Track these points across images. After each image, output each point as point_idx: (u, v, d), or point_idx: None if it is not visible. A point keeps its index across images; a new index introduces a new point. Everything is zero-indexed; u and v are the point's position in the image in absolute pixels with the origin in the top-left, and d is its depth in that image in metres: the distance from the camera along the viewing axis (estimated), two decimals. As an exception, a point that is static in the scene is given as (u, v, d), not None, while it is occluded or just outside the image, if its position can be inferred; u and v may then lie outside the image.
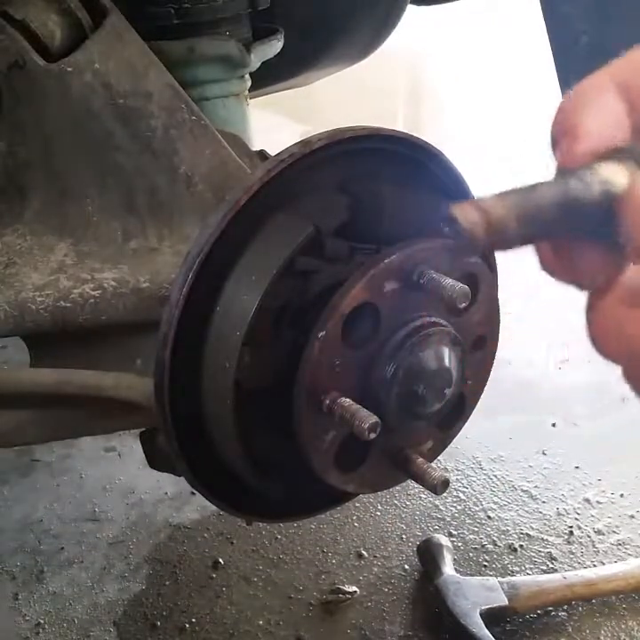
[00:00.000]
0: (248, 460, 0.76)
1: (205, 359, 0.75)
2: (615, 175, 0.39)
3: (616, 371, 0.41)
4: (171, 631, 1.45)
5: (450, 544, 1.55)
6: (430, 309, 0.74)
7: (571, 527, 1.64)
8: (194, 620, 1.47)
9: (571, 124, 0.43)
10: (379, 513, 1.69)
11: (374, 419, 0.68)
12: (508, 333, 0.90)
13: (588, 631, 1.41)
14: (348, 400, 0.70)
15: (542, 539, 1.62)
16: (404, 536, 1.63)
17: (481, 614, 1.37)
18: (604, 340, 0.40)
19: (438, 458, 0.85)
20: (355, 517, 1.68)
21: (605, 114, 0.42)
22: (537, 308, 2.36)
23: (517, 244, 0.39)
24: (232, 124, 1.08)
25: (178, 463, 0.78)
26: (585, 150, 0.41)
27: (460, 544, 1.60)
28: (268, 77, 1.27)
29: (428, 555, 1.52)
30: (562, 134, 0.43)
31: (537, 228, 0.39)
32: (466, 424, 0.86)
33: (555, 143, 0.43)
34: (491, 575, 1.51)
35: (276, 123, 3.26)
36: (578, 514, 1.67)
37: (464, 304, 0.69)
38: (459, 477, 1.79)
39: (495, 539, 1.62)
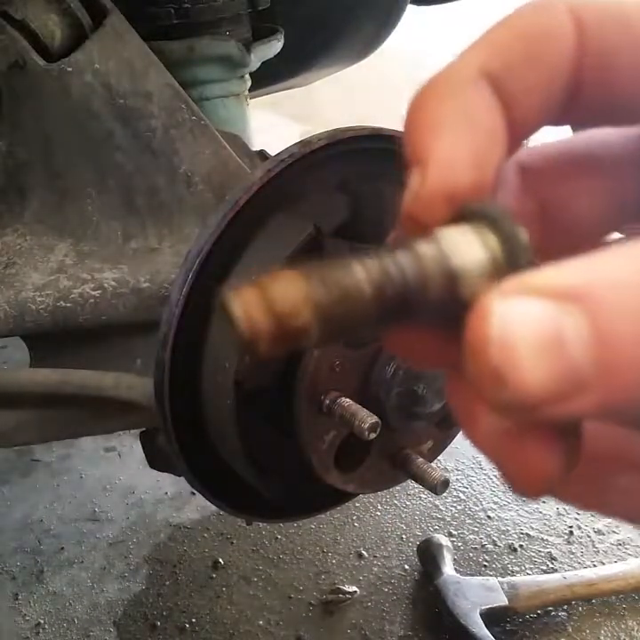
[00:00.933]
0: (248, 459, 0.76)
1: (205, 359, 0.75)
2: (464, 255, 0.26)
3: None
4: (171, 631, 1.45)
5: (450, 544, 1.55)
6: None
7: (571, 527, 1.64)
8: (194, 620, 1.47)
9: (419, 146, 0.29)
10: (379, 513, 1.69)
11: (374, 419, 0.68)
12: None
13: (587, 631, 1.41)
14: (347, 400, 0.70)
15: (542, 539, 1.62)
16: (404, 536, 1.63)
17: (481, 614, 1.37)
18: (466, 431, 0.29)
19: (438, 458, 0.85)
20: (355, 517, 1.68)
21: (470, 127, 0.29)
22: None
23: (318, 343, 0.25)
24: (232, 124, 1.08)
25: (178, 463, 0.78)
26: (435, 192, 0.28)
27: (460, 544, 1.60)
28: (268, 77, 1.27)
29: (428, 555, 1.52)
30: (409, 160, 0.30)
31: (346, 322, 0.25)
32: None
33: (407, 168, 0.30)
34: (491, 575, 1.51)
35: (276, 122, 3.26)
36: (578, 514, 1.67)
37: None
38: (459, 477, 1.79)
39: (495, 539, 1.62)
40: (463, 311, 0.25)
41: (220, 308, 0.25)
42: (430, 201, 0.28)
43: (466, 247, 0.26)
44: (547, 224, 0.34)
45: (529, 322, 0.23)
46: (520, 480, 0.27)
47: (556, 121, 0.32)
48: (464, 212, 0.28)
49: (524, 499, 0.26)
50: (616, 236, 0.35)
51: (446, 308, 0.26)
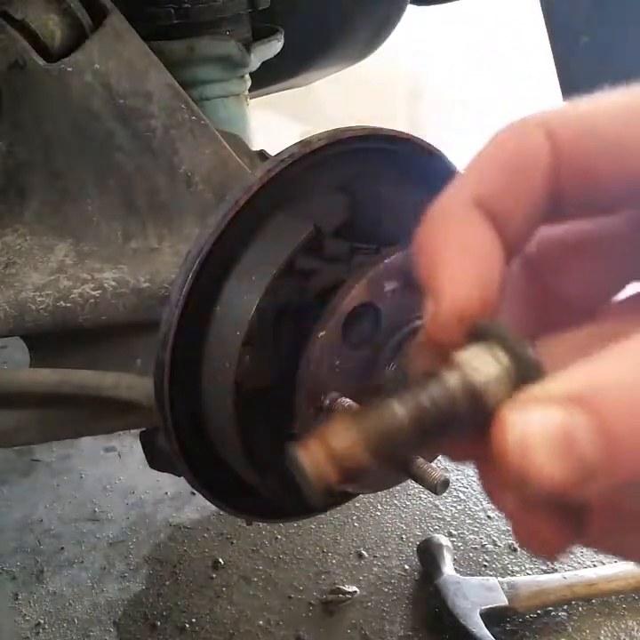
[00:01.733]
0: (248, 459, 0.76)
1: (205, 359, 0.75)
2: (482, 374, 0.31)
3: None
4: (171, 631, 1.45)
5: (450, 544, 1.55)
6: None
7: (571, 527, 1.64)
8: (194, 620, 1.47)
9: (429, 276, 0.34)
10: (378, 513, 1.69)
11: (374, 419, 0.68)
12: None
13: (587, 631, 1.41)
14: (347, 400, 0.70)
15: (542, 539, 1.62)
16: (403, 536, 1.63)
17: (481, 614, 1.37)
18: (494, 502, 0.35)
19: (438, 458, 0.85)
20: (355, 517, 1.68)
21: (471, 254, 0.34)
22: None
23: (377, 470, 0.31)
24: (232, 124, 1.08)
25: (178, 463, 0.78)
26: (449, 317, 0.33)
27: (459, 544, 1.60)
28: (268, 77, 1.27)
29: (428, 555, 1.52)
30: (423, 288, 0.35)
31: (396, 451, 0.31)
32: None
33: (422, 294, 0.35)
34: (491, 575, 1.51)
35: (276, 122, 3.26)
36: (578, 514, 1.67)
37: None
38: (459, 477, 1.79)
39: (495, 539, 1.62)
40: (488, 418, 0.31)
41: (290, 462, 0.31)
42: (445, 323, 0.33)
43: (483, 367, 0.31)
44: (548, 301, 0.40)
45: (542, 427, 0.28)
46: (532, 545, 0.33)
47: (545, 223, 0.37)
48: (475, 331, 0.33)
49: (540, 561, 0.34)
50: (615, 299, 0.40)
51: (476, 419, 0.31)
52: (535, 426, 0.28)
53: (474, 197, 0.35)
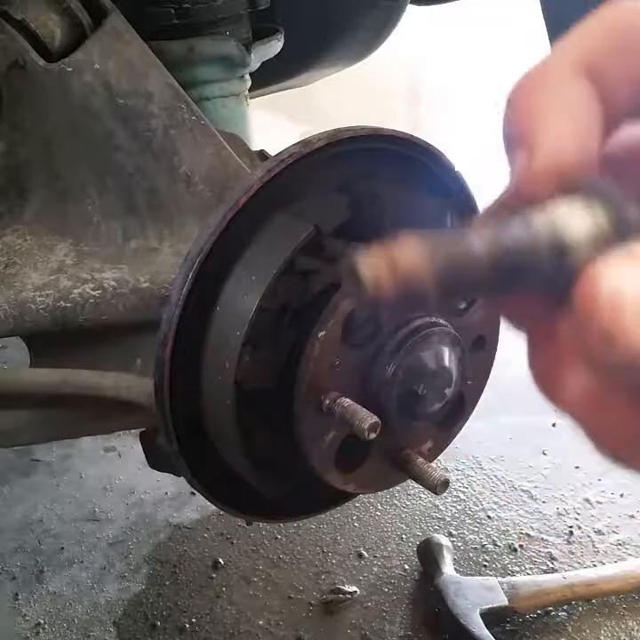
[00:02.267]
0: (248, 459, 0.76)
1: (205, 359, 0.75)
2: (574, 228, 0.28)
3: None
4: (171, 631, 1.45)
5: (450, 544, 1.55)
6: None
7: (571, 527, 1.64)
8: (194, 620, 1.47)
9: (526, 130, 0.32)
10: (379, 513, 1.69)
11: (374, 419, 0.68)
12: (509, 333, 0.90)
13: (587, 631, 1.41)
14: (347, 400, 0.70)
15: (542, 539, 1.62)
16: (403, 536, 1.63)
17: (481, 614, 1.37)
18: (549, 394, 0.32)
19: (438, 458, 0.85)
20: (355, 517, 1.68)
21: (572, 113, 0.31)
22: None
23: (436, 301, 0.29)
24: (232, 124, 1.08)
25: (178, 463, 0.78)
26: (545, 169, 0.31)
27: (459, 544, 1.60)
28: (268, 77, 1.27)
29: (428, 555, 1.52)
30: (515, 142, 0.32)
31: (462, 286, 0.28)
32: (466, 424, 0.86)
33: (509, 151, 0.33)
34: (491, 575, 1.51)
35: (276, 123, 3.26)
36: (578, 514, 1.67)
37: None
38: (459, 477, 1.79)
39: (495, 539, 1.62)
40: (571, 280, 0.27)
41: (349, 267, 0.28)
42: (540, 177, 0.31)
43: (576, 220, 0.28)
44: None
45: (638, 288, 0.25)
46: (607, 439, 0.29)
47: None
48: (574, 187, 0.30)
49: (605, 459, 0.27)
50: None
51: (555, 276, 0.28)
52: (631, 285, 0.25)
53: (580, 60, 0.33)
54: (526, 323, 0.33)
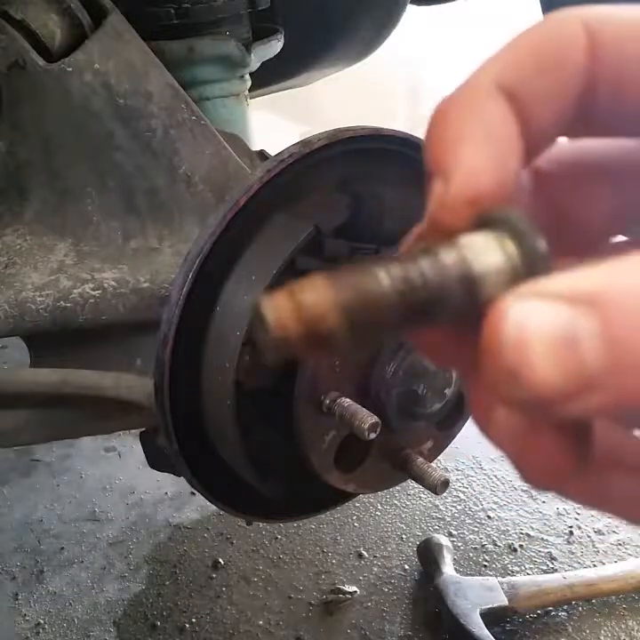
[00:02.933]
0: (248, 459, 0.76)
1: (205, 359, 0.75)
2: (483, 261, 0.27)
3: None
4: (171, 631, 1.45)
5: (450, 544, 1.55)
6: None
7: (571, 527, 1.64)
8: (194, 620, 1.47)
9: (441, 157, 0.31)
10: (378, 513, 1.69)
11: (374, 419, 0.68)
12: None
13: (588, 631, 1.41)
14: (347, 400, 0.70)
15: (542, 539, 1.62)
16: (403, 536, 1.63)
17: (481, 614, 1.37)
18: (481, 429, 0.31)
19: (438, 458, 0.85)
20: (355, 517, 1.68)
21: (487, 138, 0.30)
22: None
23: (347, 342, 0.27)
24: (232, 124, 1.08)
25: (178, 463, 0.78)
26: (458, 198, 0.30)
27: (459, 544, 1.60)
28: (268, 77, 1.27)
29: (428, 555, 1.52)
30: (433, 169, 0.31)
31: (371, 324, 0.27)
32: (466, 424, 0.86)
33: (427, 179, 0.32)
34: (491, 575, 1.51)
35: (276, 123, 3.26)
36: (578, 514, 1.67)
37: None
38: (459, 477, 1.79)
39: (495, 539, 1.62)
40: (481, 314, 0.26)
41: (253, 312, 0.27)
42: (454, 206, 0.30)
43: (485, 253, 0.28)
44: (558, 224, 0.35)
45: (544, 323, 0.25)
46: (533, 474, 0.29)
47: (570, 132, 0.34)
48: (485, 219, 0.29)
49: (534, 492, 0.28)
50: (621, 238, 0.37)
51: (466, 311, 0.27)
52: (536, 320, 0.25)
53: (500, 81, 0.31)
54: (450, 358, 0.32)
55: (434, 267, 0.27)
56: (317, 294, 0.26)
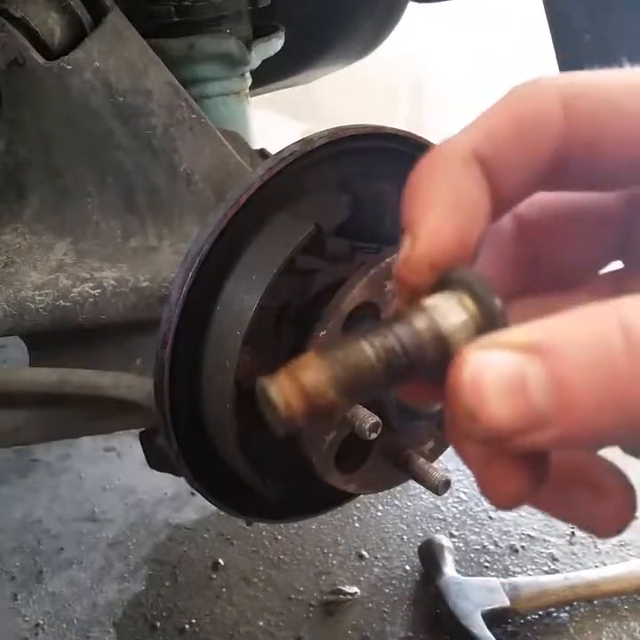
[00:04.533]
0: (248, 459, 0.76)
1: (205, 359, 0.74)
2: (449, 320, 0.32)
3: None
4: (170, 632, 1.44)
5: (451, 545, 1.55)
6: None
7: (572, 528, 1.63)
8: (194, 620, 1.46)
9: (410, 217, 0.34)
10: (379, 513, 1.69)
11: (375, 419, 0.68)
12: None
13: (589, 632, 1.40)
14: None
15: (544, 539, 1.61)
16: (405, 537, 1.63)
17: (482, 615, 1.37)
18: (455, 450, 0.35)
19: (439, 458, 0.84)
20: (355, 518, 1.68)
21: (455, 201, 0.34)
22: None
23: (344, 409, 0.33)
24: (232, 123, 1.07)
25: (178, 463, 0.78)
26: (421, 259, 0.34)
27: (461, 545, 1.60)
28: (268, 75, 1.27)
29: (430, 555, 1.52)
30: (404, 229, 0.35)
31: (363, 391, 0.32)
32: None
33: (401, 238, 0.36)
34: (492, 576, 1.51)
35: (277, 121, 3.26)
36: (579, 514, 1.67)
37: None
38: (460, 478, 1.79)
39: (497, 539, 1.61)
40: (450, 364, 0.31)
41: (259, 394, 0.32)
42: (417, 266, 0.34)
43: (450, 314, 0.32)
44: (538, 265, 0.40)
45: (496, 368, 0.29)
46: (493, 495, 0.33)
47: (543, 187, 0.37)
48: (446, 278, 0.33)
49: (497, 509, 0.33)
50: (601, 271, 0.41)
51: (439, 364, 0.32)
52: (491, 366, 0.29)
53: (474, 150, 0.35)
54: (429, 399, 0.36)
55: (408, 333, 0.32)
56: (314, 373, 0.31)
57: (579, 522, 0.37)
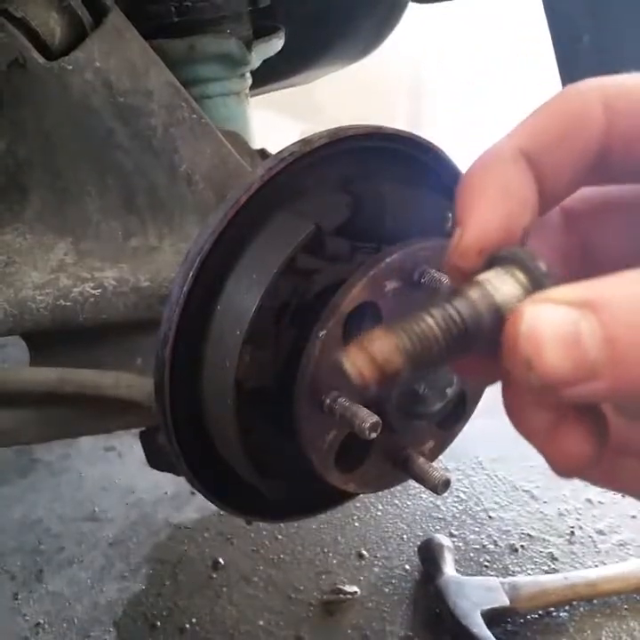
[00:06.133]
0: (248, 459, 0.76)
1: (206, 358, 0.74)
2: (502, 291, 0.35)
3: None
4: (171, 631, 1.45)
5: (451, 544, 1.55)
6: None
7: (572, 527, 1.64)
8: (194, 620, 1.47)
9: (462, 210, 0.38)
10: (379, 513, 1.69)
11: (375, 418, 0.68)
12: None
13: (589, 631, 1.41)
14: (348, 399, 0.70)
15: (544, 539, 1.61)
16: (404, 536, 1.63)
17: (482, 615, 1.37)
18: (516, 427, 0.38)
19: (439, 457, 0.85)
20: (355, 517, 1.68)
21: (503, 196, 0.37)
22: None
23: (410, 377, 0.36)
24: (233, 123, 1.07)
25: (178, 463, 0.78)
26: (469, 247, 0.37)
27: (460, 544, 1.60)
28: (268, 75, 1.27)
29: (429, 555, 1.52)
30: (456, 220, 0.38)
31: (427, 361, 0.35)
32: (467, 423, 0.86)
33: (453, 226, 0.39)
34: (492, 575, 1.51)
35: (277, 121, 3.25)
36: (579, 514, 1.67)
37: None
38: (460, 477, 1.79)
39: (496, 539, 1.62)
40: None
41: (336, 366, 0.36)
42: (465, 253, 0.37)
43: (502, 285, 0.35)
44: (586, 255, 0.43)
45: (552, 322, 0.31)
46: (560, 460, 0.35)
47: (587, 182, 0.40)
48: (494, 258, 0.36)
49: (562, 477, 0.34)
50: None
51: (494, 333, 0.34)
52: (547, 319, 0.31)
53: (522, 148, 0.38)
54: (486, 377, 0.39)
55: (465, 304, 0.35)
56: (382, 343, 0.34)
57: (630, 492, 0.39)
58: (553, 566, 1.55)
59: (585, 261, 0.43)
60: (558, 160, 0.38)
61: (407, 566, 1.56)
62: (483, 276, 0.35)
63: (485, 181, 0.38)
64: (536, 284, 0.34)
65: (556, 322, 0.31)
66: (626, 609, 1.44)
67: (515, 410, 0.36)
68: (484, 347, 0.35)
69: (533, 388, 0.32)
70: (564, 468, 0.35)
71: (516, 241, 0.38)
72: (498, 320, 0.34)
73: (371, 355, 0.34)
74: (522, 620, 1.42)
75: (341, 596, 1.49)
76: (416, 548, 1.57)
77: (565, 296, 0.31)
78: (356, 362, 0.35)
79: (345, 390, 0.71)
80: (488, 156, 0.39)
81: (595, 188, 0.42)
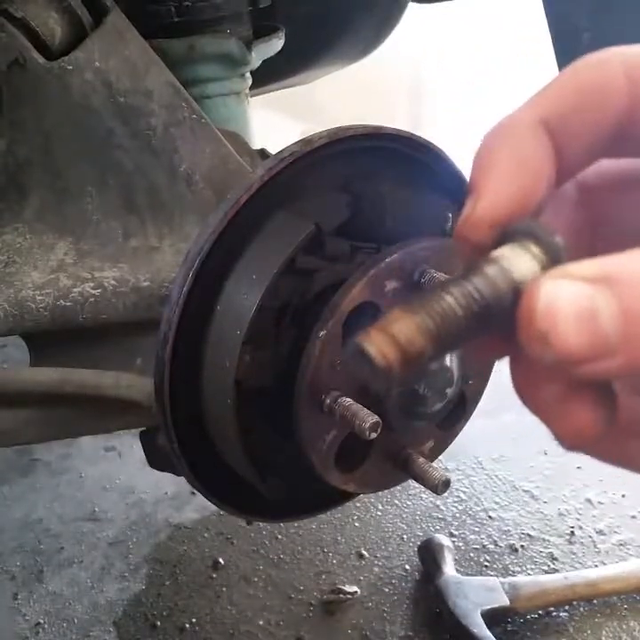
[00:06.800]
0: (248, 459, 0.76)
1: (206, 358, 0.74)
2: (519, 266, 0.34)
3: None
4: (171, 631, 1.45)
5: (451, 544, 1.55)
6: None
7: (572, 527, 1.63)
8: (194, 620, 1.47)
9: (476, 180, 0.37)
10: (379, 513, 1.69)
11: (375, 418, 0.68)
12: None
13: (589, 631, 1.40)
14: (348, 399, 0.70)
15: (544, 539, 1.61)
16: (404, 536, 1.63)
17: (482, 614, 1.37)
18: (525, 402, 0.37)
19: (439, 458, 0.85)
20: (355, 517, 1.68)
21: (519, 166, 0.36)
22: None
23: (432, 359, 0.34)
24: (233, 123, 1.07)
25: (178, 463, 0.78)
26: (481, 218, 0.36)
27: (460, 544, 1.60)
28: (268, 75, 1.27)
29: (429, 555, 1.52)
30: (468, 190, 0.37)
31: (450, 341, 0.34)
32: (467, 424, 0.86)
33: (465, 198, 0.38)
34: (492, 575, 1.51)
35: (277, 121, 3.25)
36: (579, 514, 1.67)
37: None
38: (460, 477, 1.79)
39: (496, 539, 1.61)
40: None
41: (356, 350, 0.33)
42: (477, 224, 0.36)
43: (519, 261, 0.34)
44: (602, 230, 0.42)
45: (568, 297, 0.31)
46: (568, 434, 0.34)
47: (606, 154, 0.39)
48: (508, 232, 0.35)
49: (569, 451, 0.34)
50: None
51: (513, 308, 0.33)
52: (563, 294, 0.31)
53: (541, 116, 0.36)
54: (501, 354, 0.38)
55: (483, 281, 0.33)
56: (403, 324, 0.33)
57: (636, 470, 0.39)
58: (553, 566, 1.54)
59: (598, 237, 0.42)
60: (577, 130, 0.37)
61: (407, 566, 1.56)
62: (497, 253, 0.34)
63: (502, 151, 0.36)
64: (553, 258, 0.34)
65: (572, 298, 0.30)
66: (626, 609, 1.44)
67: (523, 385, 0.36)
68: (501, 323, 0.34)
69: (548, 363, 0.31)
70: (570, 442, 0.34)
71: (529, 213, 0.36)
72: (516, 294, 0.33)
73: (393, 336, 0.33)
74: (522, 620, 1.42)
75: (341, 596, 1.49)
76: (416, 548, 1.57)
77: (582, 271, 0.31)
78: (379, 344, 0.33)
79: (348, 387, 0.71)
80: (505, 125, 0.37)
81: (612, 161, 0.41)
